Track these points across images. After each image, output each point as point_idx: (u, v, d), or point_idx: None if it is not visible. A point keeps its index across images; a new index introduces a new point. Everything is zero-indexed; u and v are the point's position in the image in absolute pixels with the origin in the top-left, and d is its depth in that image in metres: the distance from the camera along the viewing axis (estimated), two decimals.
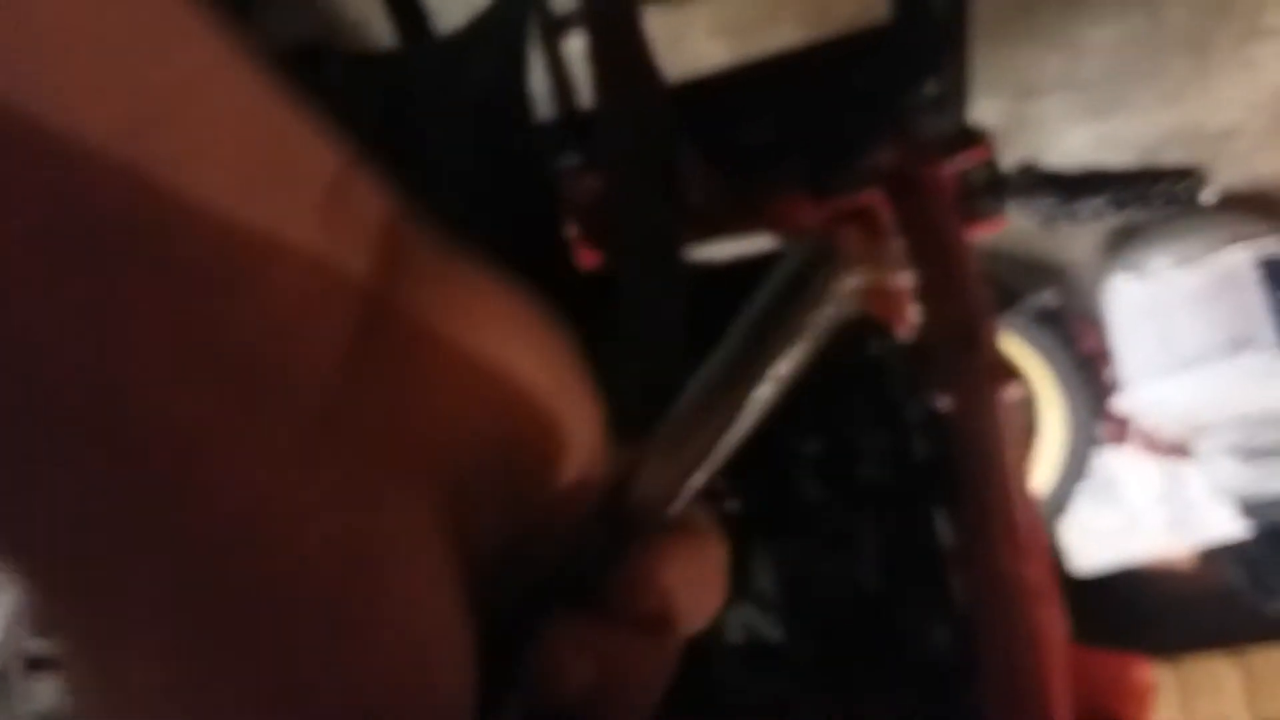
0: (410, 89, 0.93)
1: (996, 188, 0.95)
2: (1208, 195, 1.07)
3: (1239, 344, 2.57)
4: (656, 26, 2.03)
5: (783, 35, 2.05)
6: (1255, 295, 2.60)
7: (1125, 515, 3.28)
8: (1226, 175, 2.72)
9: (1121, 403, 2.88)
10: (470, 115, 0.90)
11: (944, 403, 0.83)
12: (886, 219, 0.94)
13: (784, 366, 0.31)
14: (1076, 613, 2.87)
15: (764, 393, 0.31)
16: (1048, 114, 2.41)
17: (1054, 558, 0.75)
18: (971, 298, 0.85)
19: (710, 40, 2.08)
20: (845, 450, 0.92)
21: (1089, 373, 2.87)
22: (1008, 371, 0.81)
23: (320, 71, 0.96)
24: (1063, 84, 2.31)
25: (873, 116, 0.94)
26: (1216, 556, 3.26)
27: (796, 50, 1.07)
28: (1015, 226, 2.85)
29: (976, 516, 0.75)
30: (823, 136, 0.95)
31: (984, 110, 2.37)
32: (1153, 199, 1.08)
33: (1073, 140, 2.51)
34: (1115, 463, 3.38)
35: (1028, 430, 3.05)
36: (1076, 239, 2.97)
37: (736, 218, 0.99)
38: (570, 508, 0.29)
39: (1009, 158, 2.56)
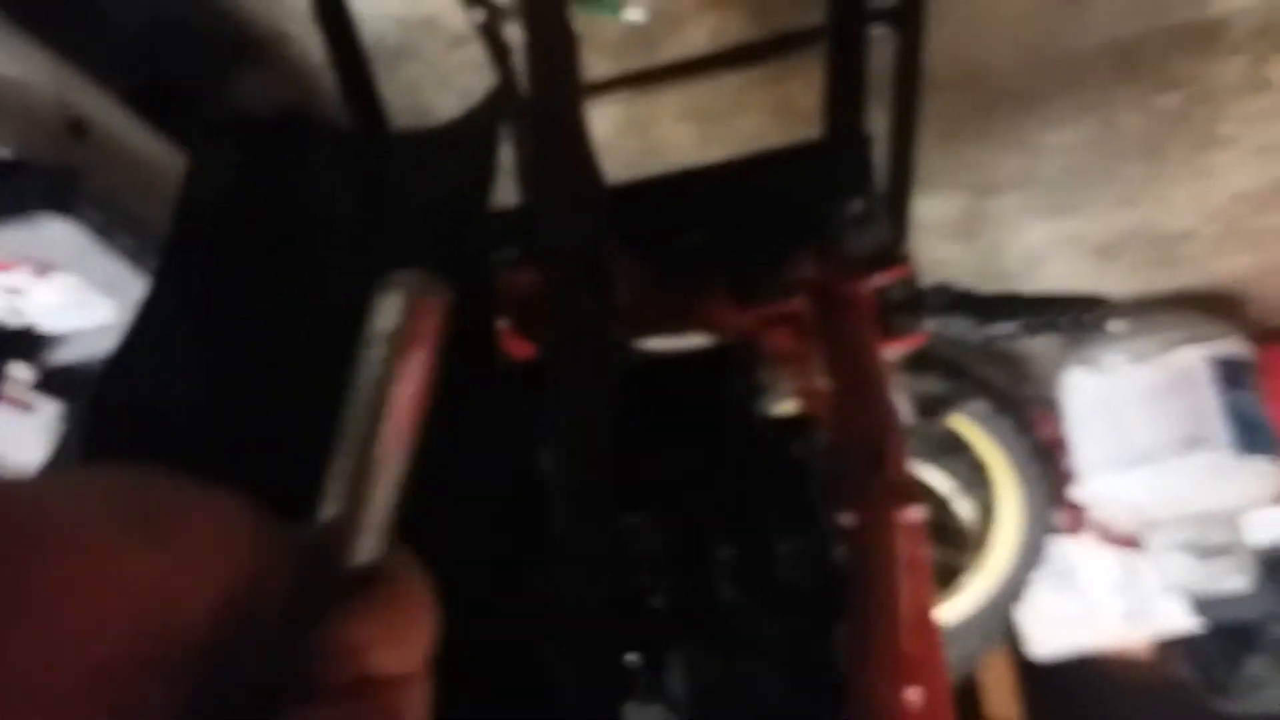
0: (384, 178, 0.94)
1: (915, 306, 0.97)
2: (1116, 325, 1.09)
3: (1191, 442, 2.59)
4: (627, 110, 2.07)
5: (749, 124, 2.09)
6: (1208, 395, 2.63)
7: (1082, 603, 3.28)
8: (1182, 276, 2.77)
9: (1077, 492, 2.89)
10: (435, 213, 0.91)
11: (846, 519, 0.84)
12: (810, 326, 0.96)
13: None
14: (1033, 698, 2.84)
15: None
16: (1006, 210, 2.45)
17: (948, 683, 0.75)
18: (881, 415, 0.86)
19: (678, 124, 2.12)
20: (763, 554, 0.93)
21: (1045, 461, 2.88)
22: (912, 493, 0.81)
23: (302, 148, 0.98)
24: (1020, 183, 2.35)
25: (799, 229, 0.96)
26: (1171, 649, 3.26)
27: (732, 160, 1.10)
28: None
29: (860, 637, 0.75)
30: (750, 245, 0.97)
31: (943, 204, 2.42)
32: (1063, 326, 1.10)
33: (1031, 236, 2.55)
34: (1073, 551, 3.39)
35: (984, 516, 3.05)
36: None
37: (666, 317, 1.01)
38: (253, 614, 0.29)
39: (969, 250, 2.61)
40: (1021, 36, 1.93)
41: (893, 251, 0.94)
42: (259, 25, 1.86)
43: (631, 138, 2.14)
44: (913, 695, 0.73)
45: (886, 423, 0.85)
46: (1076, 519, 3.19)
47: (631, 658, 0.90)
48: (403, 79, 1.97)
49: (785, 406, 1.12)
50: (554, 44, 1.00)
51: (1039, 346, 3.10)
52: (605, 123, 2.10)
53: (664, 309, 1.00)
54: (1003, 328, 1.05)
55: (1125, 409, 2.70)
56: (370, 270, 1.00)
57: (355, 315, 0.93)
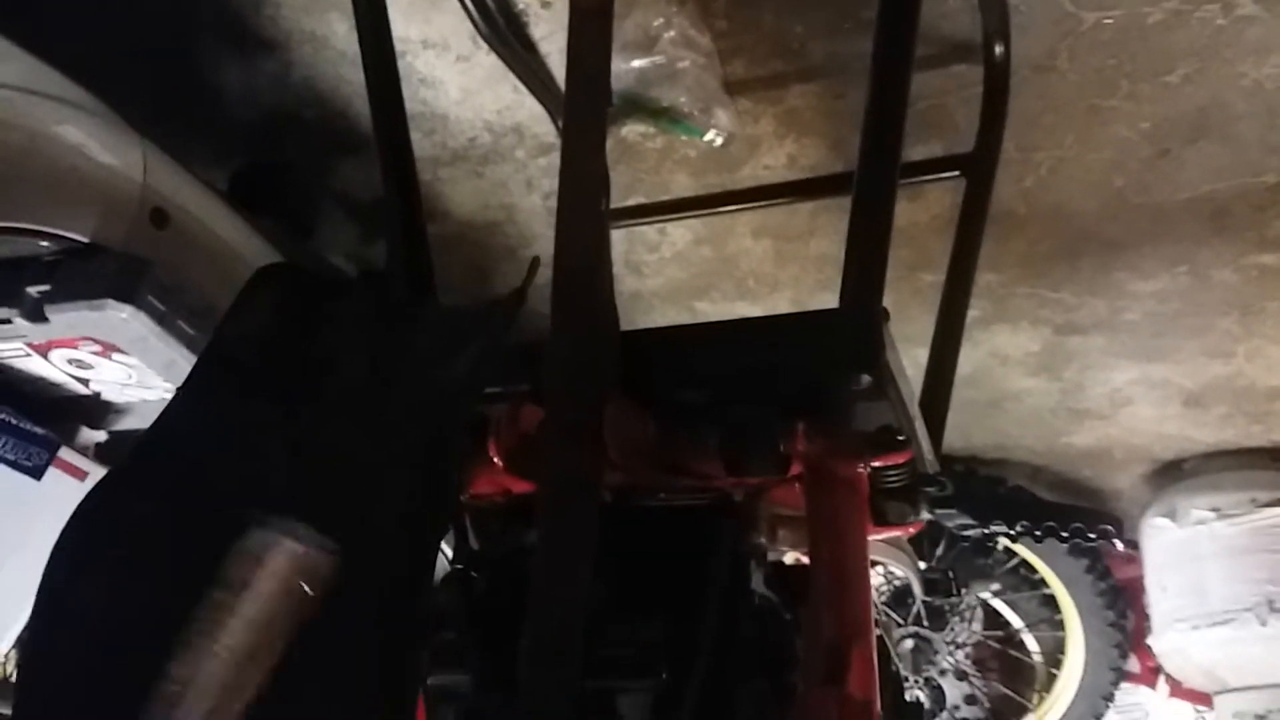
0: (404, 353, 0.95)
1: (910, 495, 0.90)
2: (1119, 546, 0.99)
3: (1271, 608, 2.38)
4: (706, 223, 2.04)
5: (821, 245, 2.04)
6: None
7: None
8: (1276, 432, 2.57)
9: (1152, 642, 2.69)
10: (438, 399, 0.91)
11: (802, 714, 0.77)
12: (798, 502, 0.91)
13: None
14: None
15: None
16: (1090, 350, 2.32)
17: None
18: (852, 619, 0.79)
19: (754, 240, 2.08)
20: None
21: (1118, 605, 2.69)
22: (869, 717, 0.74)
23: (337, 305, 1.00)
24: (1106, 326, 2.22)
25: (801, 399, 0.91)
26: None
27: (749, 320, 1.06)
28: (1062, 445, 2.73)
29: None
30: (750, 410, 0.92)
31: (1025, 338, 2.31)
32: (1066, 537, 1.01)
33: (1117, 377, 2.41)
34: (1148, 699, 3.16)
35: (1052, 654, 2.87)
36: (1121, 470, 2.84)
37: (661, 470, 0.97)
38: None
39: (1051, 385, 2.48)
40: (1109, 185, 1.84)
41: (894, 435, 0.88)
42: (365, 119, 1.91)
43: (708, 249, 2.11)
44: None
45: (858, 628, 0.78)
46: (1151, 668, 2.97)
47: None
48: (491, 177, 2.00)
49: (788, 558, 1.06)
50: (583, 187, 0.98)
51: (1124, 484, 2.92)
52: (684, 233, 2.08)
53: (658, 462, 0.96)
54: (1001, 528, 0.97)
55: (1206, 565, 2.51)
56: (368, 436, 0.99)
57: (345, 474, 0.91)
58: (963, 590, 2.62)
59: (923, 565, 2.05)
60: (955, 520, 0.93)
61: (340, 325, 0.98)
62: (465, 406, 0.89)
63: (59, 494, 1.37)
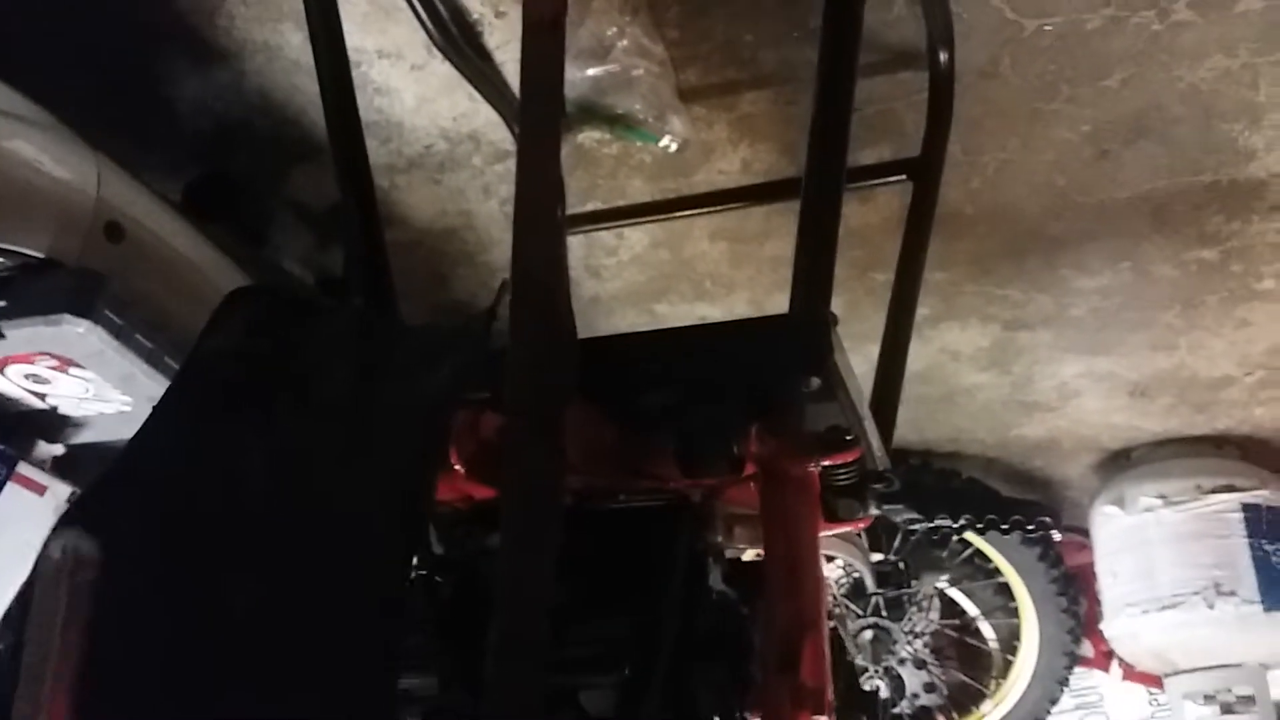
0: (380, 369, 0.96)
1: (860, 492, 0.93)
2: (1057, 536, 1.04)
3: (1219, 592, 2.45)
4: (663, 226, 2.06)
5: (777, 247, 2.07)
6: (1240, 544, 2.49)
7: None
8: (1220, 421, 2.64)
9: (1104, 627, 2.75)
10: (415, 412, 0.92)
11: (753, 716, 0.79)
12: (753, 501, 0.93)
13: None
14: None
15: None
16: (1039, 345, 2.37)
17: None
18: (804, 612, 0.81)
19: (710, 243, 2.11)
20: None
21: (1070, 591, 2.75)
22: (822, 704, 0.76)
23: (313, 322, 1.02)
24: (1052, 321, 2.28)
25: (754, 402, 0.93)
26: None
27: (705, 325, 1.08)
28: (1013, 437, 2.79)
29: None
30: (705, 413, 0.94)
31: (975, 334, 2.36)
32: (1007, 529, 1.04)
33: (1064, 371, 2.47)
34: (1101, 683, 3.23)
35: (1007, 641, 2.93)
36: (1071, 460, 2.90)
37: (619, 472, 0.98)
38: None
39: (1000, 380, 2.53)
40: (1052, 185, 1.89)
41: (843, 434, 0.90)
42: (320, 128, 1.91)
43: (666, 252, 2.14)
44: None
45: (810, 620, 0.81)
46: (1104, 652, 3.04)
47: None
48: (449, 185, 2.01)
49: (745, 554, 1.08)
50: (539, 194, 0.99)
51: (1073, 473, 2.99)
52: (642, 237, 2.10)
53: (617, 465, 0.98)
54: (946, 521, 1.00)
55: (1155, 550, 2.57)
56: (349, 451, 1.00)
57: (325, 486, 0.92)
58: (917, 581, 2.67)
59: (878, 557, 2.09)
60: (903, 515, 0.96)
61: (318, 342, 1.00)
62: (444, 420, 0.91)
63: (17, 509, 1.36)
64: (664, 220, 1.98)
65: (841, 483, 0.93)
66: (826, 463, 0.92)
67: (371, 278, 1.22)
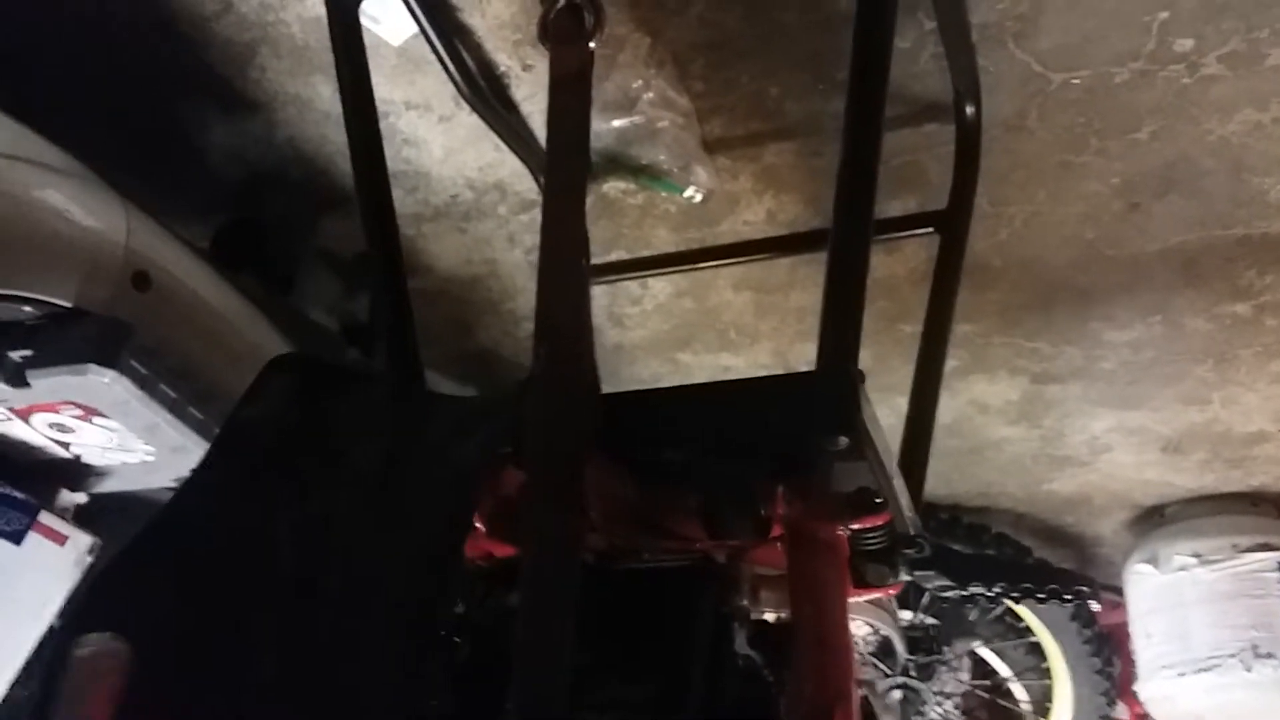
0: (413, 441, 0.96)
1: (890, 557, 0.90)
2: (1095, 606, 1.00)
3: (1255, 654, 2.38)
4: (688, 276, 2.06)
5: (801, 298, 2.06)
6: (1277, 604, 2.42)
7: None
8: (1256, 478, 2.59)
9: (1138, 688, 2.68)
10: (444, 484, 0.92)
11: None
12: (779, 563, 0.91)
13: None
14: None
15: None
16: (1069, 398, 2.34)
17: None
18: (834, 681, 0.79)
19: (735, 293, 2.10)
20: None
21: (1104, 652, 2.68)
22: None
23: (348, 393, 1.02)
24: (1082, 374, 2.25)
25: (780, 462, 0.91)
26: None
27: (730, 382, 1.07)
28: (1043, 492, 2.74)
29: None
30: (730, 473, 0.92)
31: (1003, 387, 2.33)
32: (1042, 597, 1.02)
33: (1095, 425, 2.43)
34: None
35: (1040, 702, 2.85)
36: (1103, 516, 2.85)
37: (641, 531, 0.97)
38: None
39: (1030, 434, 2.50)
40: (1081, 237, 1.87)
41: (873, 496, 0.88)
42: (348, 177, 1.93)
43: (690, 301, 2.13)
44: None
45: (839, 689, 0.78)
46: (1139, 715, 2.95)
47: None
48: (473, 233, 2.02)
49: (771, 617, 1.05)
50: (564, 246, 0.99)
51: (1106, 530, 2.93)
52: (666, 286, 2.10)
53: (640, 523, 0.96)
54: (980, 589, 0.97)
55: (1190, 611, 2.51)
56: (378, 520, 1.00)
57: (356, 559, 0.91)
58: (948, 647, 2.61)
59: (907, 616, 2.05)
60: (934, 581, 0.94)
61: (353, 412, 1.00)
62: (473, 490, 0.90)
63: (39, 559, 1.36)
64: (688, 271, 1.98)
65: (871, 547, 0.90)
66: (855, 526, 0.89)
67: (396, 327, 1.22)
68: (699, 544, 0.95)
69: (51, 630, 1.38)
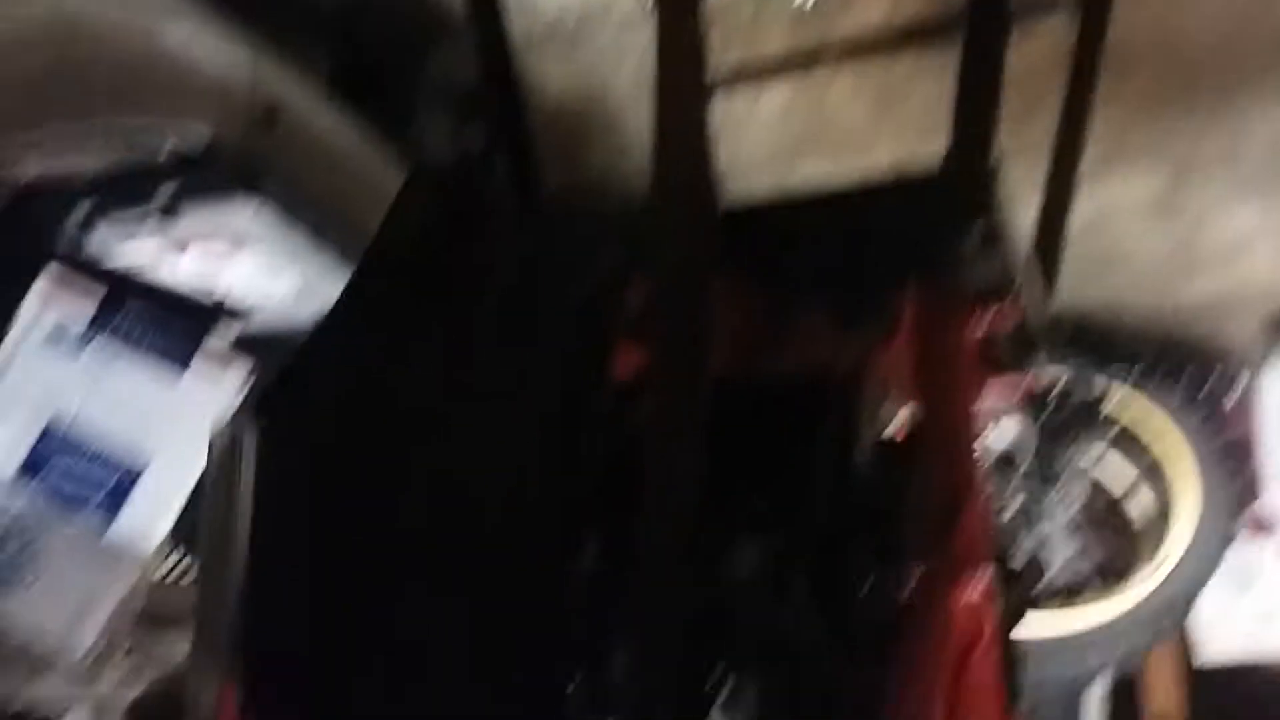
0: (543, 259, 0.97)
1: (1024, 344, 0.89)
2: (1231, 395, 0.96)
3: None
4: (800, 89, 1.99)
5: (920, 105, 1.98)
6: None
7: (1262, 608, 3.00)
8: None
9: (1267, 497, 2.63)
10: (576, 302, 0.93)
11: (911, 572, 0.79)
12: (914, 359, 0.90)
13: None
14: (1197, 699, 2.65)
15: None
16: (1209, 192, 2.22)
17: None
18: (962, 476, 0.80)
19: (850, 104, 2.03)
20: (842, 591, 0.90)
21: (1232, 460, 2.63)
22: (983, 557, 0.76)
23: (483, 211, 1.04)
24: (1224, 162, 2.11)
25: (912, 258, 0.90)
26: None
27: (852, 185, 1.05)
28: (1176, 300, 2.64)
29: (901, 688, 0.71)
30: (859, 273, 0.92)
31: (1140, 183, 2.21)
32: (1178, 381, 0.98)
33: (1234, 223, 2.30)
34: (1258, 554, 3.11)
35: (1162, 510, 2.83)
36: (1237, 323, 2.73)
37: (769, 340, 0.97)
38: None
39: (1165, 234, 2.39)
40: (1226, 13, 1.73)
41: (1007, 283, 0.87)
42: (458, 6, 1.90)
43: (805, 109, 2.07)
44: None
45: (968, 480, 0.80)
46: (1264, 523, 2.91)
47: (707, 675, 0.90)
48: (580, 59, 1.98)
49: (896, 432, 1.06)
50: (681, 56, 0.97)
51: (1240, 339, 2.82)
52: (780, 94, 2.03)
53: (767, 332, 0.97)
54: (1117, 371, 0.95)
55: None
56: (518, 336, 1.00)
57: (500, 379, 0.92)
58: (1074, 444, 2.58)
59: (1030, 427, 2.04)
60: (1070, 365, 0.92)
61: (486, 232, 1.01)
62: (607, 306, 0.90)
63: (201, 389, 1.46)
64: (804, 73, 1.91)
65: (1002, 337, 0.90)
66: (987, 316, 0.89)
67: (516, 150, 1.23)
68: (826, 350, 0.96)
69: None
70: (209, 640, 0.35)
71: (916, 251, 0.91)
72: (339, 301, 0.97)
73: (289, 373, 0.96)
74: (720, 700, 0.88)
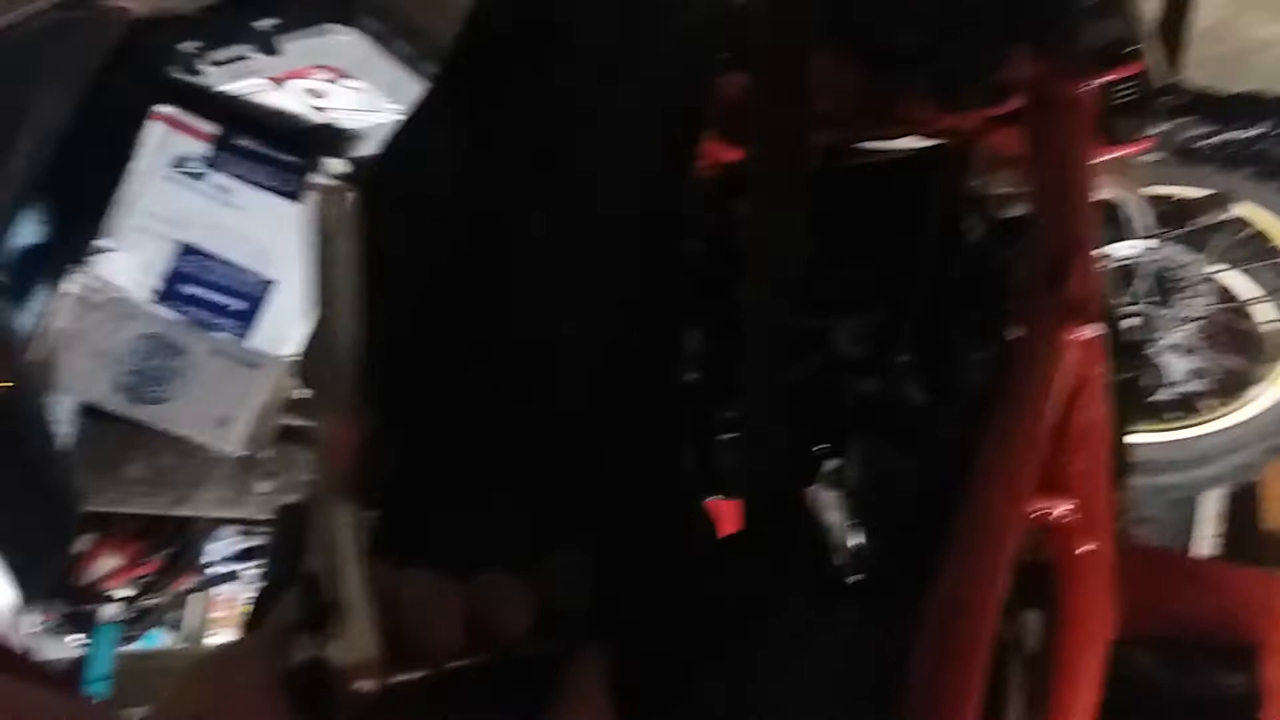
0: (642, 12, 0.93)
1: (1141, 108, 0.85)
2: None
3: None
4: None
5: None
6: None
7: None
8: None
9: None
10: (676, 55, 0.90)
11: (1016, 331, 0.78)
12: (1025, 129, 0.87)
13: None
14: None
15: None
16: None
17: (1108, 503, 0.72)
18: (1074, 228, 0.78)
19: None
20: (950, 359, 0.90)
21: None
22: (1092, 314, 0.75)
23: None
24: None
25: (1022, 24, 0.86)
26: None
27: None
28: None
29: (990, 449, 0.72)
30: (967, 43, 0.88)
31: None
32: None
33: None
34: None
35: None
36: None
37: (874, 119, 0.95)
38: None
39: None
40: None
41: (1125, 46, 0.82)
42: None
43: None
44: (1058, 507, 0.71)
45: (1079, 237, 0.78)
46: None
47: (814, 446, 0.93)
48: None
49: (1010, 209, 1.04)
50: None
51: None
52: None
53: (871, 110, 0.95)
54: (1242, 131, 0.90)
55: None
56: (621, 97, 0.97)
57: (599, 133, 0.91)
58: (1195, 255, 2.47)
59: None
60: (1192, 130, 0.88)
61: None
62: (707, 62, 0.88)
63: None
64: None
65: (1122, 100, 0.86)
66: (1104, 80, 0.85)
67: None
68: (931, 127, 0.94)
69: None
70: (330, 385, 0.38)
71: (1027, 13, 0.87)
72: (437, 75, 0.94)
73: (389, 145, 0.96)
74: (825, 473, 0.90)
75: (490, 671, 0.41)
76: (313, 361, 0.39)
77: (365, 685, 0.36)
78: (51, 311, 1.35)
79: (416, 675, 0.38)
